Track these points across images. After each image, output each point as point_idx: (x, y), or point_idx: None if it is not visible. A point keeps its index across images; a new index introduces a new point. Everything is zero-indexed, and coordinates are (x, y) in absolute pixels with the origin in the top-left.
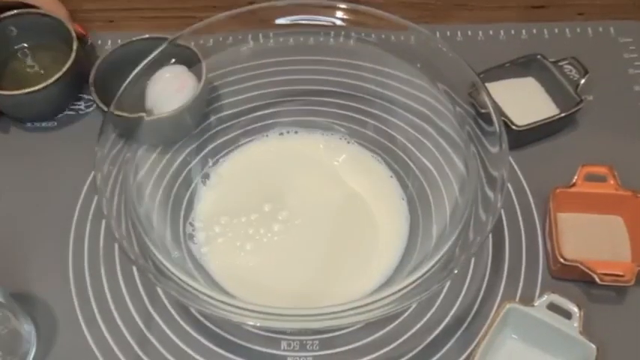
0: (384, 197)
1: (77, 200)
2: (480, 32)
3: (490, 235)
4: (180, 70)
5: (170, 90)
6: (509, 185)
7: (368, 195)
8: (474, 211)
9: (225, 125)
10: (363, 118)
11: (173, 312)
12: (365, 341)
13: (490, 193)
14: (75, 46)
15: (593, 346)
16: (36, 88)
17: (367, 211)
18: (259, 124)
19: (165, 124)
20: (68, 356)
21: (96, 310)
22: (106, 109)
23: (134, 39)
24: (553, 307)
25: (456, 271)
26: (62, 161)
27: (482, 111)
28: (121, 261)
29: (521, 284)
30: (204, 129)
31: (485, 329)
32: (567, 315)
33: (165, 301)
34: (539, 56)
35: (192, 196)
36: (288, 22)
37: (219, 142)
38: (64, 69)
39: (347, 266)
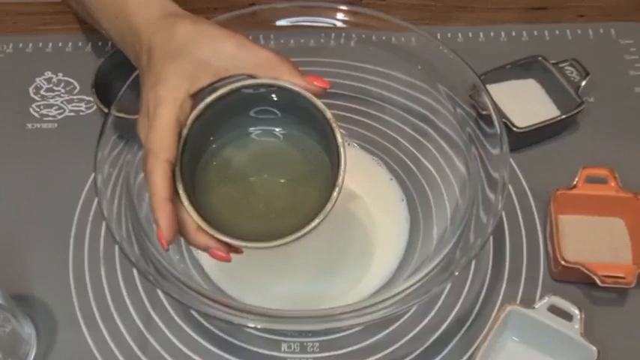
0: (384, 199)
1: (77, 202)
2: (481, 34)
3: (491, 237)
4: None
5: None
6: (510, 187)
7: (368, 197)
8: (474, 213)
9: None
10: (364, 119)
11: (173, 313)
12: (365, 343)
13: (491, 195)
14: (341, 170)
15: (594, 348)
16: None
17: (367, 213)
18: None
19: None
20: (68, 357)
21: (96, 312)
22: (106, 110)
23: None
24: (554, 309)
25: (456, 273)
26: (63, 163)
27: (483, 112)
28: (121, 263)
29: (522, 286)
30: None
31: (486, 331)
32: (568, 317)
33: (165, 303)
34: (540, 58)
35: None
36: (289, 24)
37: None
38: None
39: (348, 268)
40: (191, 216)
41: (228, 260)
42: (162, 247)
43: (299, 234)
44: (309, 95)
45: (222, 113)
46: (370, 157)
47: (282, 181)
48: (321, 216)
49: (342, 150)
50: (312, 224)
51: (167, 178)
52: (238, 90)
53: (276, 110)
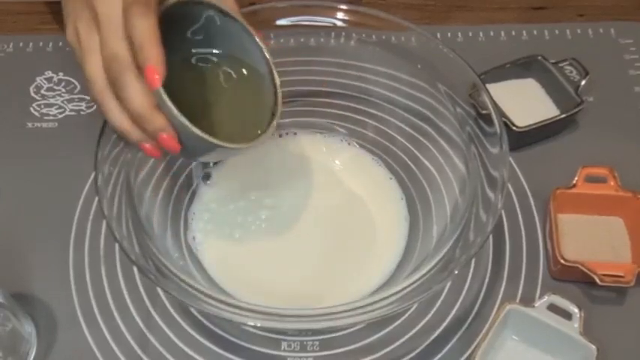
0: (384, 198)
1: (78, 201)
2: (481, 33)
3: (490, 236)
4: None
5: None
6: (509, 186)
7: (368, 196)
8: (474, 212)
9: None
10: (364, 118)
11: (173, 312)
12: (365, 342)
13: (490, 194)
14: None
15: (594, 347)
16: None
17: (367, 211)
18: None
19: None
20: (68, 356)
21: (96, 311)
22: None
23: None
24: (553, 308)
25: (456, 272)
26: (63, 162)
27: (483, 112)
28: (121, 261)
29: (521, 285)
30: None
31: (486, 330)
32: (567, 316)
33: (166, 301)
34: (539, 57)
35: (193, 196)
36: (289, 23)
37: None
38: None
39: (347, 266)
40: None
41: (177, 150)
42: (153, 85)
43: (250, 144)
44: (257, 38)
45: (172, 28)
46: (370, 157)
47: (228, 100)
48: (269, 131)
49: (279, 91)
50: (260, 138)
51: (158, 26)
52: (200, 3)
53: (217, 40)
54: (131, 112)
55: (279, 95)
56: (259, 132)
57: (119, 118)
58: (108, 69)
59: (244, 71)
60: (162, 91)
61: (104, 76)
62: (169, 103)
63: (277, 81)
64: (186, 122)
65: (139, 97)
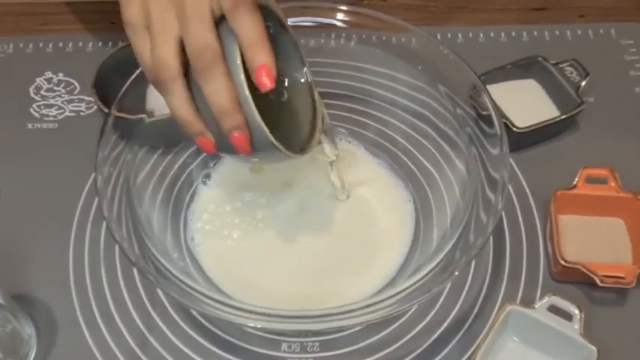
0: (385, 199)
1: (78, 202)
2: (481, 34)
3: (491, 237)
4: None
5: None
6: (510, 187)
7: (369, 196)
8: (474, 213)
9: None
10: (364, 119)
11: (173, 313)
12: (365, 343)
13: (491, 195)
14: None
15: (594, 348)
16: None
17: (368, 212)
18: None
19: (166, 125)
20: (68, 357)
21: (96, 312)
22: (106, 110)
23: None
24: (554, 309)
25: (456, 273)
26: (63, 163)
27: (483, 113)
28: (121, 263)
29: (522, 286)
30: None
31: (486, 331)
32: (568, 317)
33: (166, 303)
34: (540, 58)
35: (193, 197)
36: (289, 24)
37: None
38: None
39: (348, 268)
40: (242, 84)
41: (248, 151)
42: (267, 85)
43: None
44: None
45: None
46: (372, 157)
47: (272, 107)
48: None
49: (318, 105)
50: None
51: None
52: (264, 8)
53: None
54: (215, 104)
55: (319, 108)
56: (301, 142)
57: (185, 107)
58: (197, 58)
59: (286, 81)
60: (248, 92)
61: (178, 62)
62: (252, 105)
63: (316, 95)
64: (265, 128)
65: (228, 91)
